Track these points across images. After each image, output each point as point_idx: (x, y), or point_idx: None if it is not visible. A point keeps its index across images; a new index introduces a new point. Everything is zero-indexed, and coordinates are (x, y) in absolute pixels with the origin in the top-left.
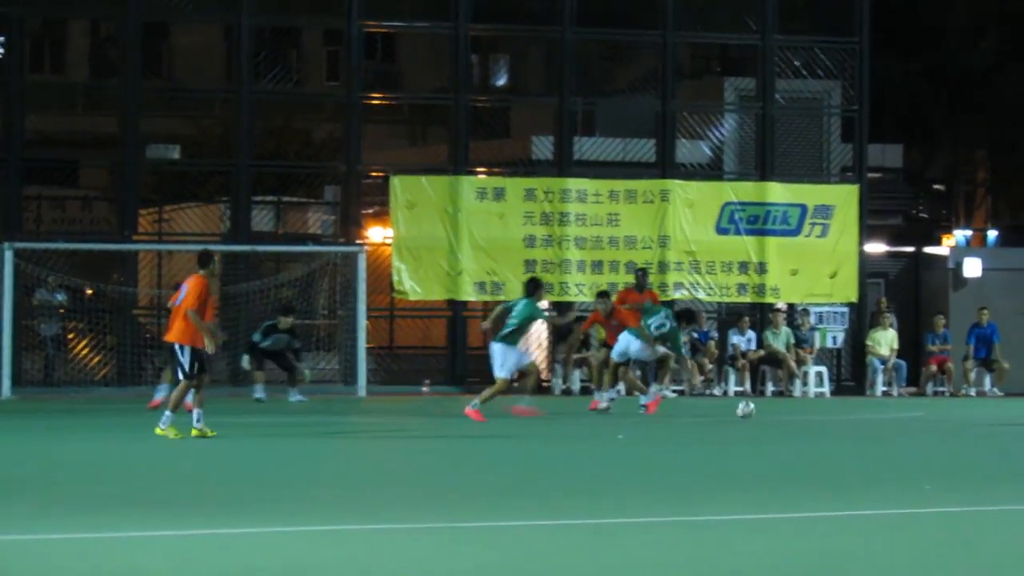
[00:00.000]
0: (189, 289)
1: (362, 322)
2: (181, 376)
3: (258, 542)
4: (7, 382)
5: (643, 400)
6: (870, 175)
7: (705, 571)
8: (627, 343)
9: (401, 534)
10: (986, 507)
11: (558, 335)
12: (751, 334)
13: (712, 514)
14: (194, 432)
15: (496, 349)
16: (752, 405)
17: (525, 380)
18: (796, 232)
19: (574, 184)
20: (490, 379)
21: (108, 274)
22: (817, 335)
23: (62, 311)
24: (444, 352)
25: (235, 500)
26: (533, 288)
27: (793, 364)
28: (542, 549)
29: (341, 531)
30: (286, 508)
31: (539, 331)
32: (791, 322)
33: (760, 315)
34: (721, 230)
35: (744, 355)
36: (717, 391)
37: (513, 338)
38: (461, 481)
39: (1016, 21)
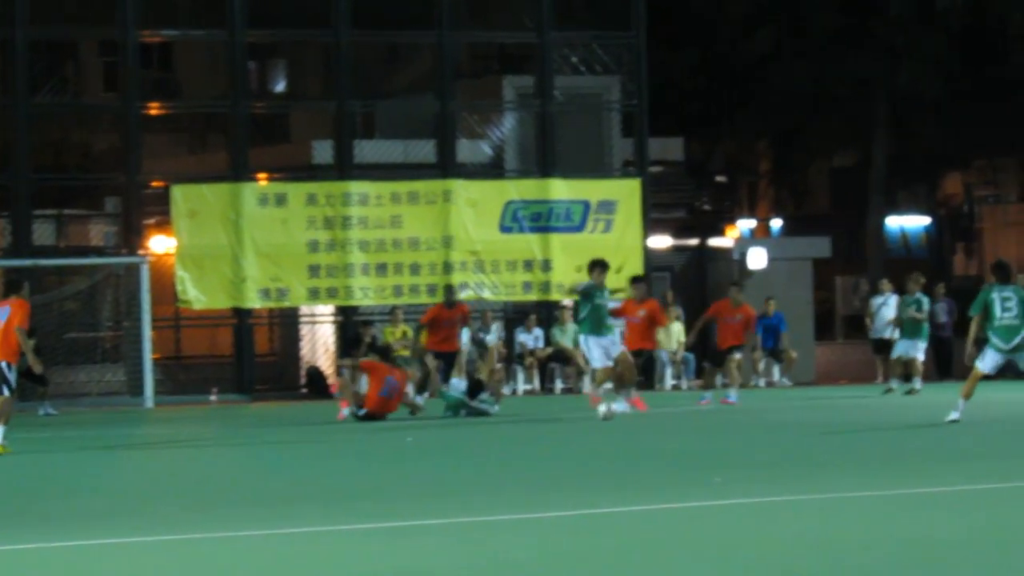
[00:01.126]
0: (14, 310)
1: (147, 333)
2: (7, 392)
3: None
4: None
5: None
6: (652, 169)
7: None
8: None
9: (178, 545)
10: (776, 497)
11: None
12: (538, 332)
13: (479, 515)
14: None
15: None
16: (615, 407)
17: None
18: (580, 228)
19: (355, 187)
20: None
21: None
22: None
23: None
24: (231, 360)
25: (10, 515)
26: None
27: (581, 360)
28: (322, 553)
29: (109, 544)
30: (54, 522)
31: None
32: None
33: (547, 313)
34: (504, 229)
35: (532, 353)
36: (506, 390)
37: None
38: (243, 489)
39: (791, 10)
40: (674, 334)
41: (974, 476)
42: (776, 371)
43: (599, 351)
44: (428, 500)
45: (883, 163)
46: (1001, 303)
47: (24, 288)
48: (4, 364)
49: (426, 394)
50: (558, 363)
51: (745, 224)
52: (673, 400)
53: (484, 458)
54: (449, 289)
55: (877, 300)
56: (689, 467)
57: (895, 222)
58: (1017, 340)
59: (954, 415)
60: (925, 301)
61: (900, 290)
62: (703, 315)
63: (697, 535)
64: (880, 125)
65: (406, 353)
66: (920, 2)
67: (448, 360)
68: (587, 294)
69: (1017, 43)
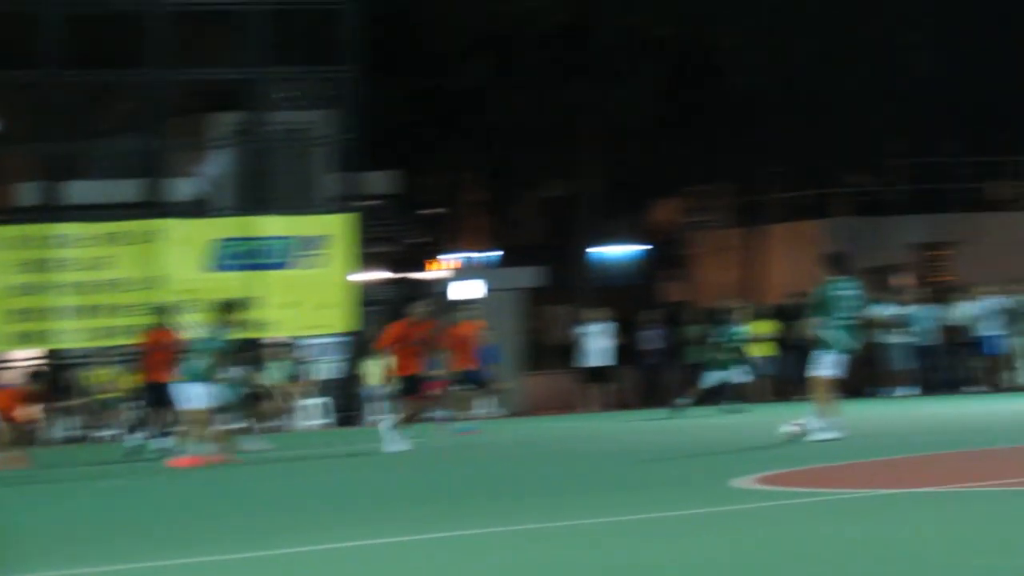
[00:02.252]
0: None
1: None
2: None
3: None
4: None
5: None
6: (366, 203)
7: None
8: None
9: None
10: (477, 529)
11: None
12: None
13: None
14: None
15: None
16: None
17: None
18: (291, 264)
19: (63, 229)
20: None
21: None
22: (315, 367)
23: None
24: None
25: None
26: None
27: (285, 397)
28: None
29: None
30: None
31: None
32: (288, 356)
33: (257, 350)
34: (214, 267)
35: None
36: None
37: None
38: None
39: (502, 43)
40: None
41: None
42: (489, 402)
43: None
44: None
45: (594, 192)
46: (841, 300)
47: None
48: None
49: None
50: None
51: (459, 256)
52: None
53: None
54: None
55: (589, 328)
56: (395, 501)
57: (607, 250)
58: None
59: (834, 434)
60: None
61: (615, 318)
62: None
63: (392, 571)
64: (591, 154)
65: (115, 395)
66: (631, 31)
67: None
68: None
69: (727, 70)
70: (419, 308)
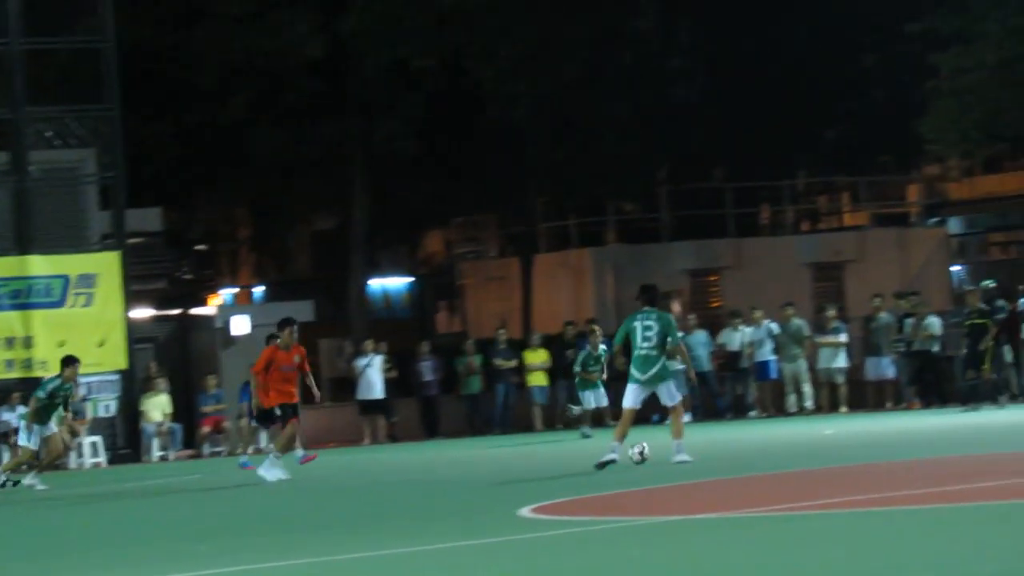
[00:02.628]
0: None
1: None
2: None
3: None
4: None
5: None
6: (132, 240)
7: None
8: None
9: None
10: (254, 564)
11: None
12: (22, 409)
13: None
14: None
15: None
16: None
17: None
18: (61, 303)
19: None
20: None
21: None
22: (89, 405)
23: None
24: None
25: None
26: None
27: (67, 436)
28: None
29: None
30: None
31: None
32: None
33: (31, 389)
34: None
35: (16, 431)
36: None
37: None
38: None
39: (263, 76)
40: (160, 405)
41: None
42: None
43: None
44: None
45: (364, 225)
46: (642, 331)
47: None
48: None
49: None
50: None
51: (228, 292)
52: (161, 471)
53: None
54: None
55: (362, 361)
56: (177, 538)
57: (378, 283)
58: (652, 371)
59: (610, 456)
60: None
61: (391, 350)
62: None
63: None
64: (359, 187)
65: None
66: (394, 63)
67: None
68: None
69: (492, 101)
70: (285, 334)
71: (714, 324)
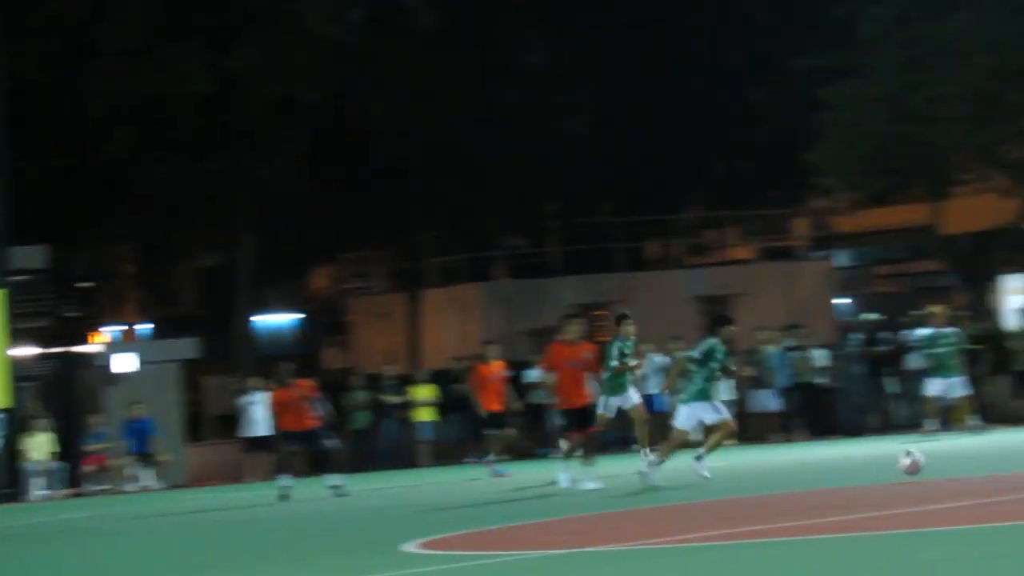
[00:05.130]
0: None
1: None
2: None
3: None
4: None
5: None
6: (14, 278)
7: None
8: None
9: None
10: None
11: None
12: None
13: None
14: None
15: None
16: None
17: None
18: None
19: None
20: None
21: None
22: None
23: None
24: None
25: None
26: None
27: None
28: None
29: None
30: None
31: None
32: None
33: None
34: None
35: None
36: None
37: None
38: None
39: (150, 111)
40: (41, 444)
41: None
42: (148, 475)
43: None
44: None
45: (250, 261)
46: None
47: None
48: None
49: None
50: None
51: (112, 329)
52: (43, 511)
53: None
54: None
55: (247, 399)
56: None
57: (267, 319)
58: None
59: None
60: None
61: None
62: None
63: None
64: (246, 223)
65: None
66: (281, 97)
67: None
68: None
69: (379, 135)
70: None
71: (602, 358)
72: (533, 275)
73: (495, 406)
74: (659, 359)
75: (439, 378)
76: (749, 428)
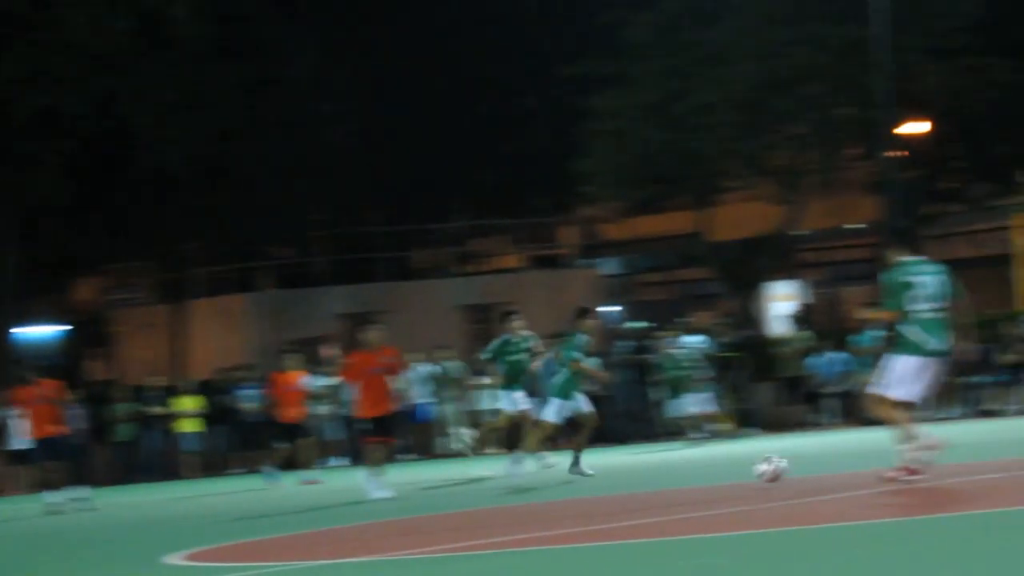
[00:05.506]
0: None
1: None
2: None
3: None
4: None
5: None
6: None
7: None
8: None
9: None
10: None
11: None
12: None
13: None
14: None
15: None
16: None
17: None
18: None
19: None
20: None
21: None
22: None
23: None
24: None
25: None
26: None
27: None
28: None
29: None
30: None
31: None
32: None
33: None
34: None
35: None
36: None
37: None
38: None
39: None
40: None
41: None
42: None
43: None
44: None
45: (12, 272)
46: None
47: None
48: None
49: None
50: None
51: None
52: None
53: None
54: None
55: (7, 412)
56: None
57: (28, 331)
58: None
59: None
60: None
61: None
62: None
63: None
64: (8, 235)
65: None
66: (45, 108)
67: None
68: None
69: (144, 146)
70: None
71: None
72: (300, 285)
73: (291, 416)
74: (426, 368)
75: (205, 389)
76: (513, 437)
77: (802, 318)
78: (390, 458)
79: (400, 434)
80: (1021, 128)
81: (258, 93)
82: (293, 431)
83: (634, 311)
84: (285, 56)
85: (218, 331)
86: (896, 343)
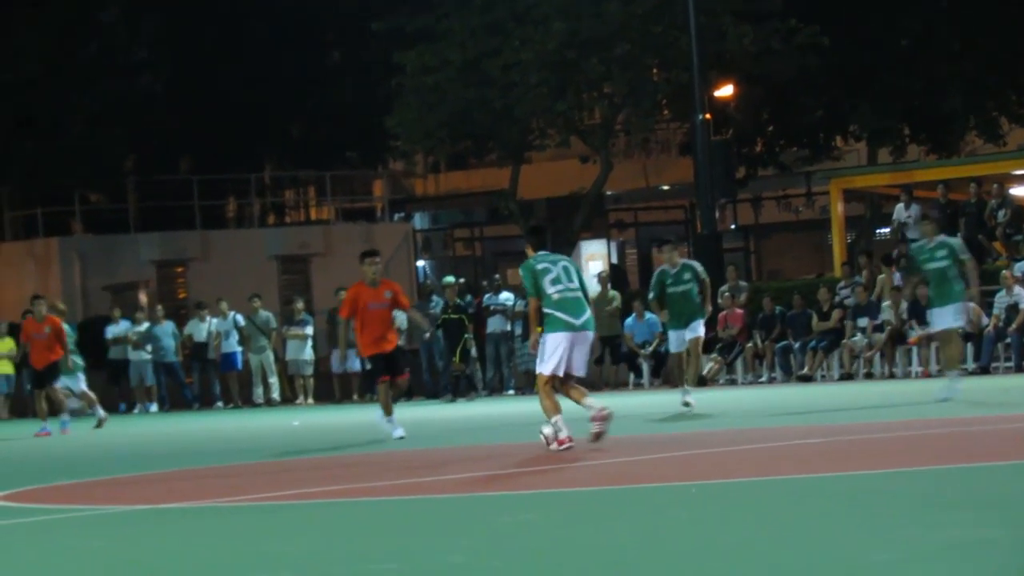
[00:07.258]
0: None
1: None
2: None
3: None
4: None
5: None
6: None
7: None
8: None
9: None
10: None
11: None
12: None
13: None
14: None
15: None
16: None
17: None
18: None
19: None
20: None
21: None
22: None
23: None
24: None
25: None
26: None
27: None
28: None
29: None
30: None
31: None
32: None
33: None
34: None
35: None
36: None
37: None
38: None
39: None
40: None
41: None
42: None
43: None
44: None
45: None
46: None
47: None
48: None
49: None
50: None
51: None
52: None
53: None
54: None
55: None
56: None
57: None
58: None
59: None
60: None
61: None
62: None
63: None
64: None
65: None
66: None
67: None
68: None
69: None
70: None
71: (181, 315)
72: (112, 231)
73: (40, 363)
74: (237, 318)
75: (16, 331)
76: (332, 388)
77: (611, 278)
78: (402, 395)
79: (212, 382)
80: (831, 94)
81: (69, 38)
82: (41, 377)
83: (446, 266)
84: (96, 3)
85: (30, 274)
86: (543, 323)
